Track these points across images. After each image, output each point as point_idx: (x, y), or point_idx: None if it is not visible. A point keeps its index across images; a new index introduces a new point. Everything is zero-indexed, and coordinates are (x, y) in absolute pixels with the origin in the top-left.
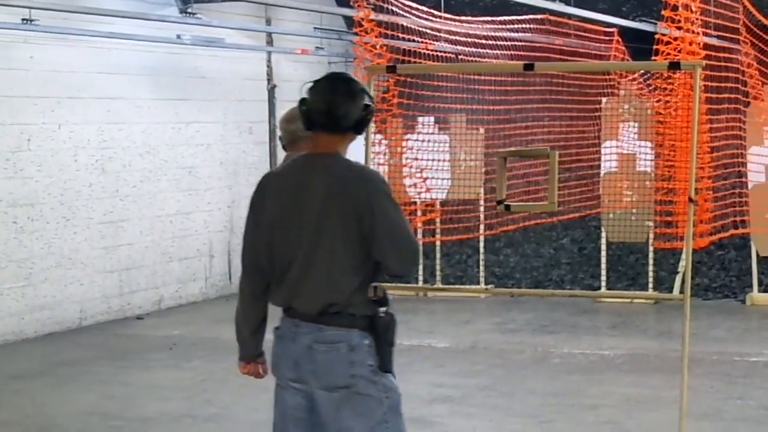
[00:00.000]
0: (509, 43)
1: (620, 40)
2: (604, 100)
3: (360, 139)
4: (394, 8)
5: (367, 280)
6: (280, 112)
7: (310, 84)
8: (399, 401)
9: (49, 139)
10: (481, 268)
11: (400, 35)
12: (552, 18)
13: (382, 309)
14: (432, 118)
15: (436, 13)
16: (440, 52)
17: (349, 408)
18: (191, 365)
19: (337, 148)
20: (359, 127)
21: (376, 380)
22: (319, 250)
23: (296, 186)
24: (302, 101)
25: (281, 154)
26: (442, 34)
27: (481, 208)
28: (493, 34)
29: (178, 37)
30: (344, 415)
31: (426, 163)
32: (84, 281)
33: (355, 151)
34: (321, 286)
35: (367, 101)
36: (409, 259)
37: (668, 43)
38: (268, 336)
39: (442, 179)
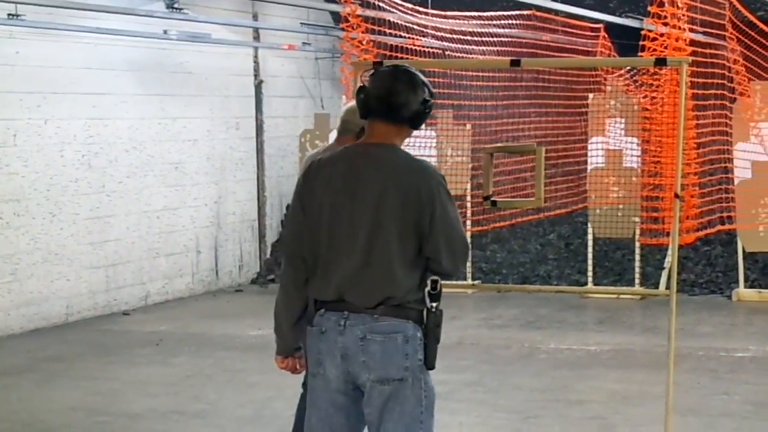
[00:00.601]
0: (496, 38)
1: (607, 36)
2: (590, 96)
3: None
4: (381, 4)
5: (423, 273)
6: (267, 107)
7: (371, 71)
8: (434, 401)
9: (35, 134)
10: (468, 263)
11: (387, 31)
12: (539, 14)
13: (434, 303)
14: None
15: (422, 9)
16: (427, 47)
17: (396, 402)
18: (178, 361)
19: (393, 139)
20: (416, 120)
21: (421, 377)
22: (377, 243)
23: (350, 174)
24: (360, 89)
25: (268, 150)
26: (429, 30)
27: (468, 204)
28: (479, 30)
29: (165, 32)
30: (389, 408)
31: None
32: (70, 277)
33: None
34: (380, 280)
35: (427, 96)
36: (460, 258)
37: (654, 39)
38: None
39: None
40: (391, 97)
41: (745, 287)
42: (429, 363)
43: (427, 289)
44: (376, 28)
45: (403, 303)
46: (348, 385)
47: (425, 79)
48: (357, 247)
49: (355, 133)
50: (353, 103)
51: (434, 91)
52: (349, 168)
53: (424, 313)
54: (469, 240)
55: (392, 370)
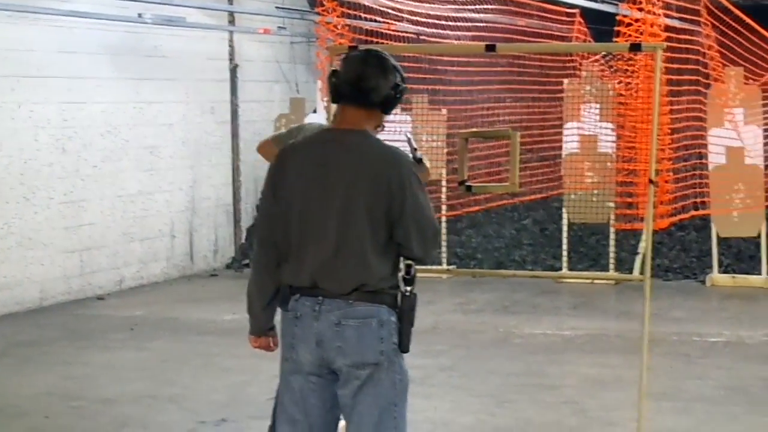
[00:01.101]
0: (471, 23)
1: (582, 21)
2: (565, 81)
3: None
4: None
5: (396, 259)
6: (242, 91)
7: (344, 56)
8: (408, 385)
9: (8, 118)
10: (444, 248)
11: (363, 15)
12: None
13: (408, 288)
14: None
15: None
16: (402, 32)
17: (371, 386)
18: (152, 346)
19: (364, 124)
20: (387, 105)
21: (396, 360)
22: (349, 230)
23: (321, 161)
24: (332, 73)
25: (243, 134)
26: (405, 15)
27: (444, 189)
28: (455, 14)
29: (140, 15)
30: (364, 392)
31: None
32: (44, 261)
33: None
34: (354, 267)
35: (398, 81)
36: (431, 244)
37: (630, 24)
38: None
39: None
40: (361, 81)
41: (719, 272)
42: (403, 347)
43: (401, 273)
44: (351, 12)
45: (377, 289)
46: (322, 369)
47: (396, 64)
48: (329, 234)
49: None
50: None
51: (409, 76)
52: (320, 154)
53: (399, 297)
54: (444, 225)
55: (368, 354)
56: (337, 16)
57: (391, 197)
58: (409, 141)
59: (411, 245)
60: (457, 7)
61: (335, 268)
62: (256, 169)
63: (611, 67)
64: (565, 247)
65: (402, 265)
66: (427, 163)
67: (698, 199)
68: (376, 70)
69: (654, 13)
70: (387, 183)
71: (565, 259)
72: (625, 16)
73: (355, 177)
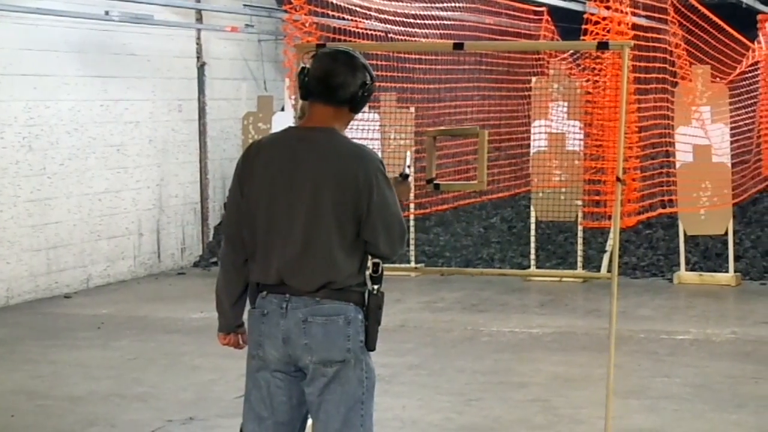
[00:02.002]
0: (439, 21)
1: (550, 19)
2: (533, 79)
3: (289, 117)
4: None
5: (363, 257)
6: (210, 89)
7: (313, 53)
8: (375, 383)
9: None
10: (412, 247)
11: (330, 13)
12: None
13: (375, 286)
14: None
15: None
16: (370, 30)
17: (338, 384)
18: (119, 344)
19: (332, 122)
20: (355, 103)
21: (362, 358)
22: (316, 228)
23: (288, 158)
24: (302, 70)
25: (211, 132)
26: (373, 12)
27: (411, 187)
28: (423, 12)
29: (107, 13)
30: (331, 390)
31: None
32: (11, 260)
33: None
34: (321, 266)
35: (367, 79)
36: (398, 242)
37: (597, 22)
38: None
39: None
40: (329, 78)
41: (686, 270)
42: (370, 345)
43: (369, 271)
44: (319, 10)
45: (344, 287)
46: (289, 367)
47: (366, 62)
48: (296, 232)
49: None
50: None
51: (378, 74)
52: (287, 152)
53: (366, 295)
54: (412, 223)
55: (334, 352)
56: (305, 14)
57: (358, 195)
58: (406, 158)
59: (378, 243)
60: (425, 5)
61: (302, 266)
62: (224, 167)
63: (579, 65)
64: (533, 245)
65: (369, 263)
66: (412, 184)
67: (666, 197)
68: (345, 68)
69: (621, 12)
70: (354, 180)
71: (533, 257)
72: (592, 14)
73: (322, 174)
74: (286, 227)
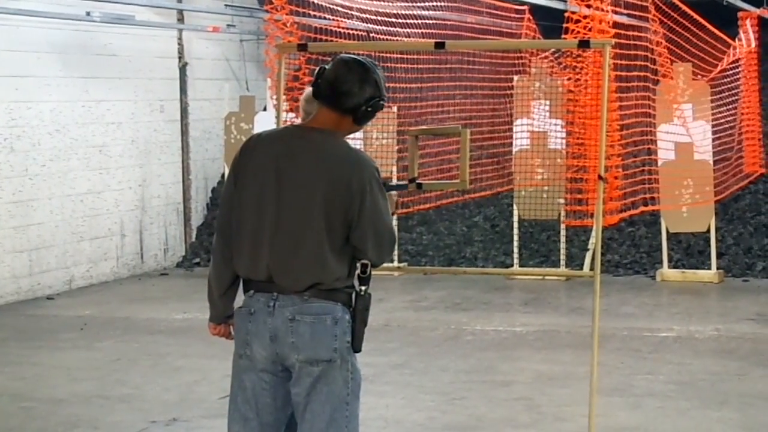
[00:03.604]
0: (421, 21)
1: (531, 18)
2: (515, 78)
3: (272, 118)
4: None
5: (351, 261)
6: (192, 90)
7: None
8: (361, 383)
9: None
10: (395, 246)
11: (312, 13)
12: None
13: (363, 287)
14: None
15: None
16: (352, 29)
17: (324, 383)
18: (102, 345)
19: (334, 127)
20: (358, 115)
21: (348, 359)
22: (307, 229)
23: (284, 156)
24: (319, 70)
25: (193, 132)
26: (354, 12)
27: (395, 200)
28: (404, 11)
29: (88, 14)
30: (317, 390)
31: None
32: None
33: (266, 129)
34: (311, 265)
35: (375, 94)
36: (386, 249)
37: (578, 21)
38: None
39: None
40: (337, 83)
41: (669, 267)
42: (356, 346)
43: (357, 272)
44: (300, 9)
45: (332, 288)
46: (276, 366)
47: (380, 79)
48: (287, 230)
49: None
50: (307, 90)
51: None
52: (284, 149)
53: (353, 295)
54: (395, 222)
55: (321, 351)
56: (286, 14)
57: (350, 200)
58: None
59: (366, 249)
60: (406, 4)
61: (292, 265)
62: (206, 167)
63: (560, 63)
64: (515, 243)
65: (358, 264)
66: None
67: (648, 195)
68: (355, 78)
69: (602, 10)
70: (347, 185)
71: (516, 255)
72: (573, 12)
73: (316, 176)
74: (277, 224)
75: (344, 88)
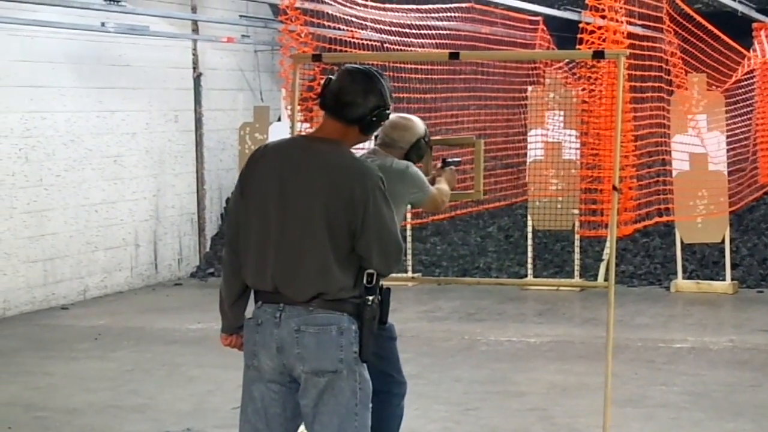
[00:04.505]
0: (435, 31)
1: (545, 28)
2: (529, 88)
3: (286, 128)
4: None
5: (358, 271)
6: (206, 100)
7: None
8: (370, 394)
9: None
10: (409, 256)
11: (326, 23)
12: (478, 6)
13: (371, 297)
14: None
15: (361, 1)
16: (366, 40)
17: (331, 394)
18: (116, 355)
19: (339, 137)
20: (364, 125)
21: (356, 369)
22: (311, 238)
23: (289, 166)
24: (326, 81)
25: (207, 143)
26: (368, 23)
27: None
28: (418, 22)
29: (103, 24)
30: (324, 401)
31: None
32: (7, 271)
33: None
34: (315, 276)
35: (379, 104)
36: (392, 259)
37: (592, 32)
38: None
39: None
40: (341, 94)
41: (683, 278)
42: (363, 355)
43: (364, 282)
44: (315, 20)
45: (336, 298)
46: (284, 377)
47: (385, 88)
48: (290, 240)
49: (403, 150)
50: (399, 118)
51: None
52: (289, 159)
53: (361, 305)
54: (409, 233)
55: (326, 362)
56: (301, 25)
57: (352, 209)
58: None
59: (371, 258)
60: (421, 15)
61: (296, 276)
62: (220, 177)
63: (575, 74)
64: (530, 254)
65: (365, 275)
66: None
67: (662, 206)
68: (358, 88)
69: (617, 21)
70: (349, 194)
71: (530, 266)
72: (588, 23)
73: (319, 185)
74: (281, 235)
75: (348, 98)
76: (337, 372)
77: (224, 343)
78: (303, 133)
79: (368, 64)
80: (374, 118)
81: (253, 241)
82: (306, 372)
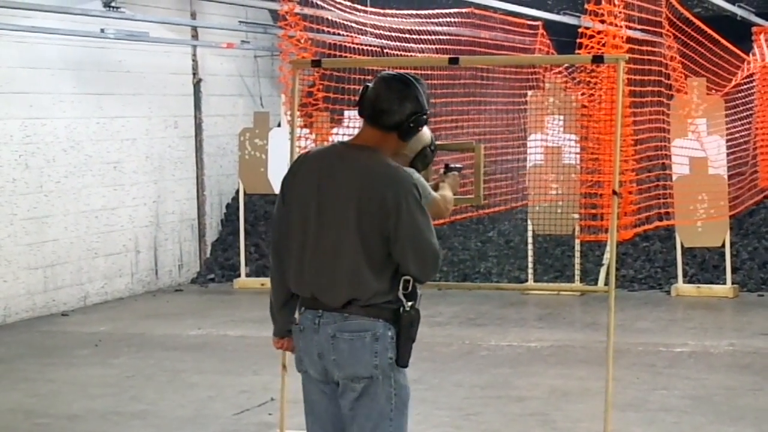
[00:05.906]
0: (434, 36)
1: (545, 33)
2: (529, 93)
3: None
4: (319, 2)
5: (394, 276)
6: (206, 106)
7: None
8: (408, 399)
9: None
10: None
11: (326, 29)
12: (477, 11)
13: (409, 303)
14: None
15: (360, 7)
16: (366, 45)
17: (367, 399)
18: (117, 362)
19: (377, 144)
20: (402, 131)
21: (391, 375)
22: (345, 244)
23: (327, 174)
24: (364, 89)
25: (207, 148)
26: (368, 28)
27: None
28: (418, 27)
29: (102, 31)
30: (360, 405)
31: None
32: (8, 278)
33: (280, 145)
34: (347, 281)
35: (416, 110)
36: (429, 266)
37: (592, 36)
38: None
39: None
40: (377, 101)
41: (684, 282)
42: (401, 361)
43: (400, 288)
44: (314, 26)
45: (370, 303)
46: (329, 379)
47: (421, 94)
48: (325, 246)
49: (408, 158)
50: None
51: None
52: (327, 167)
53: (399, 311)
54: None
55: (360, 368)
56: (300, 30)
57: (385, 216)
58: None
59: (407, 264)
60: (420, 20)
61: (330, 282)
62: (221, 183)
63: (574, 78)
64: (530, 258)
65: (401, 281)
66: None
67: (662, 210)
68: (394, 95)
69: (616, 25)
70: (382, 201)
71: (530, 270)
72: (587, 28)
73: (353, 192)
74: (317, 241)
75: (384, 106)
76: (372, 378)
77: (276, 346)
78: (343, 140)
79: (370, 70)
80: (412, 124)
81: (294, 248)
82: (342, 378)
